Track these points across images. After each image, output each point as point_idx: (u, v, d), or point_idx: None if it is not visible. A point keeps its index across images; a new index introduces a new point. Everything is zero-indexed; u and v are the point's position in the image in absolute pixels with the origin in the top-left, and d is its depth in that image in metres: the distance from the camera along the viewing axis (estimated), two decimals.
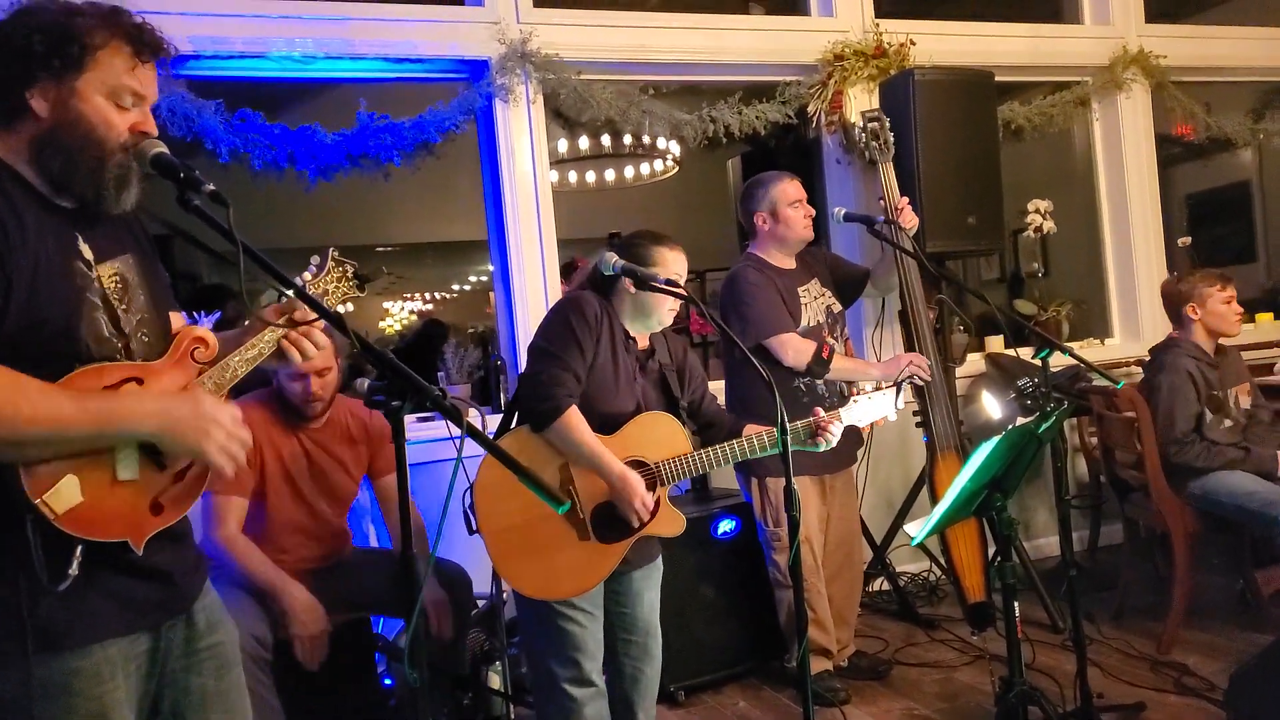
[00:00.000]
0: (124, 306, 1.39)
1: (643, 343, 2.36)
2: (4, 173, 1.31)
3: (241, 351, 1.45)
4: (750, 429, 2.35)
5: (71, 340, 1.30)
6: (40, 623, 1.25)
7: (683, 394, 2.39)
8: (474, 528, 2.14)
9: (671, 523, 2.29)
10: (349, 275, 1.65)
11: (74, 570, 1.25)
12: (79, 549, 1.26)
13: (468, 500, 2.14)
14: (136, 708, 1.39)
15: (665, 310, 2.30)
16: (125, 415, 1.29)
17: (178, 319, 1.56)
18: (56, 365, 1.26)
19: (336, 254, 1.65)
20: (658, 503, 2.23)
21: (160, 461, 1.34)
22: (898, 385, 2.47)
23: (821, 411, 2.36)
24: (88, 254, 1.36)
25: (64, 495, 1.23)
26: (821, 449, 2.36)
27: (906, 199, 3.37)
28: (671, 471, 2.25)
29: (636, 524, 2.17)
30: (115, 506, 1.30)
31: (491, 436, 1.96)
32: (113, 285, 1.38)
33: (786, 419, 1.96)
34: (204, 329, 1.47)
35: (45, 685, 1.27)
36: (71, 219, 1.35)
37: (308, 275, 1.60)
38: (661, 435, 2.27)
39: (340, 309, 1.64)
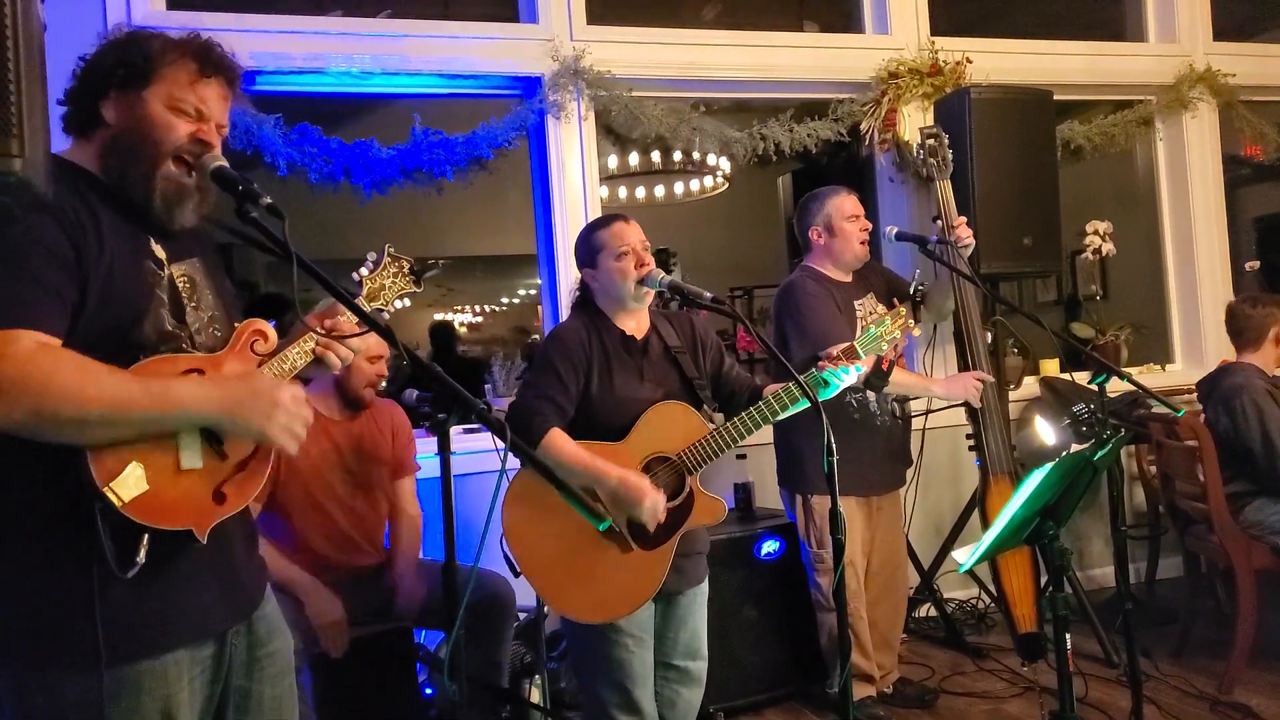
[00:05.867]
0: (193, 304, 1.44)
1: (641, 330, 2.29)
2: (81, 177, 1.37)
3: (300, 343, 1.49)
4: (770, 389, 2.24)
5: (139, 334, 1.34)
6: (114, 629, 1.28)
7: (699, 370, 2.31)
8: (518, 571, 2.12)
9: (710, 511, 2.20)
10: (405, 271, 1.68)
11: (141, 559, 1.27)
12: (145, 537, 1.28)
13: (506, 548, 2.11)
14: (200, 711, 1.42)
15: (630, 281, 2.19)
16: (187, 399, 1.31)
17: None
18: (124, 359, 1.30)
19: (393, 250, 1.68)
20: (691, 493, 2.17)
21: (222, 450, 1.37)
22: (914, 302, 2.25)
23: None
24: (160, 254, 1.41)
25: (130, 483, 1.26)
26: (837, 388, 2.20)
27: (963, 218, 3.30)
28: (695, 458, 2.17)
29: (653, 528, 2.07)
30: (179, 495, 1.32)
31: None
32: (182, 284, 1.43)
33: (833, 438, 1.92)
34: (264, 322, 1.50)
35: (116, 683, 1.29)
36: (144, 222, 1.40)
37: (364, 270, 1.64)
38: (676, 425, 2.19)
39: (399, 303, 1.69)
